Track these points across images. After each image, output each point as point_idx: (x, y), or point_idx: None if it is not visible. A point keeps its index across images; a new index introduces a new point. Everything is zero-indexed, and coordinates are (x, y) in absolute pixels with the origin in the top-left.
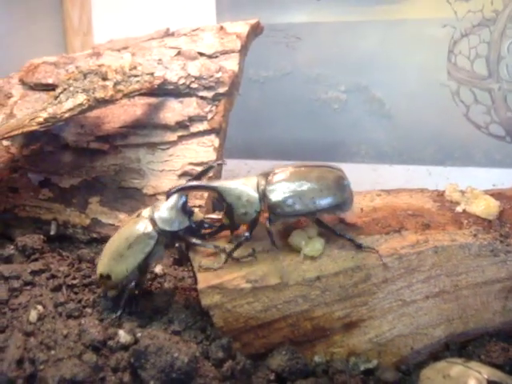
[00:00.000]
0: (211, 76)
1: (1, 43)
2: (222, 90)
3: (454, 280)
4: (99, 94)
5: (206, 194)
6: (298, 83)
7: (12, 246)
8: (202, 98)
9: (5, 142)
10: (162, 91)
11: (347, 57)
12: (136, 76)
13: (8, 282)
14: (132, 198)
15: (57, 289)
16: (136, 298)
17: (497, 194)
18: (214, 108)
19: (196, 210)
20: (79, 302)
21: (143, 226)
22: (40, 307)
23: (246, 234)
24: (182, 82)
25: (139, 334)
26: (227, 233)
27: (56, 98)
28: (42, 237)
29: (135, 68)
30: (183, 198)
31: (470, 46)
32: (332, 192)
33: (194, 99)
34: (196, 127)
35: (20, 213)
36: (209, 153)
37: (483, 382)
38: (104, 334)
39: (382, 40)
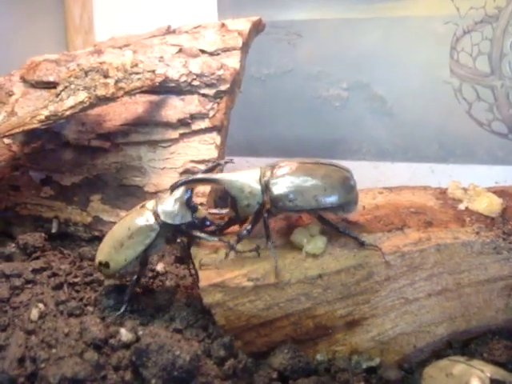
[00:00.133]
0: (213, 73)
1: (2, 41)
2: (223, 87)
3: (456, 278)
4: (100, 92)
5: (207, 192)
6: (300, 80)
7: (13, 244)
8: (203, 95)
9: (6, 140)
10: (164, 89)
11: (349, 54)
12: (137, 73)
13: (9, 280)
14: (133, 196)
15: (58, 287)
16: (137, 295)
17: (499, 192)
18: (215, 105)
19: (200, 206)
20: (80, 300)
21: (146, 217)
22: (41, 305)
23: (248, 227)
24: (183, 79)
25: (141, 332)
26: (234, 229)
27: (57, 95)
28: (43, 235)
29: (136, 65)
30: (188, 193)
31: (473, 42)
32: (336, 192)
33: (195, 97)
34: (197, 125)
35: (21, 211)
36: (210, 150)
37: (486, 380)
38: (105, 333)
39: (384, 37)
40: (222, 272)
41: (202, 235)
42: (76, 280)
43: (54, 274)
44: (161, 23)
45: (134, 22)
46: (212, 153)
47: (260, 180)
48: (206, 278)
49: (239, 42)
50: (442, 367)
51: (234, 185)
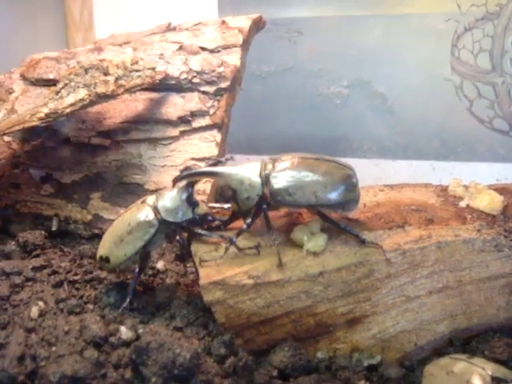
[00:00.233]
0: (213, 71)
1: (2, 39)
2: (224, 84)
3: (457, 275)
4: (100, 89)
5: (208, 190)
6: (300, 78)
7: (13, 242)
8: (203, 92)
9: (6, 138)
10: (164, 86)
11: (349, 51)
12: (137, 71)
13: (9, 278)
14: (134, 194)
15: (58, 285)
16: (138, 293)
17: (500, 189)
18: (216, 103)
19: (201, 202)
20: (81, 298)
21: (145, 213)
22: (41, 303)
23: (248, 221)
24: (183, 76)
25: (141, 330)
26: (235, 226)
27: (57, 93)
28: (43, 233)
29: (137, 63)
30: (189, 189)
31: (474, 40)
32: (336, 189)
33: (195, 94)
34: (198, 122)
35: (21, 208)
36: (211, 148)
37: (487, 378)
38: (105, 330)
39: (385, 34)
40: (223, 270)
41: (203, 232)
42: (76, 278)
43: (54, 272)
44: (161, 20)
45: (135, 19)
46: (212, 150)
47: (260, 173)
48: (207, 275)
49: (240, 40)
50: (442, 365)
51: (235, 177)
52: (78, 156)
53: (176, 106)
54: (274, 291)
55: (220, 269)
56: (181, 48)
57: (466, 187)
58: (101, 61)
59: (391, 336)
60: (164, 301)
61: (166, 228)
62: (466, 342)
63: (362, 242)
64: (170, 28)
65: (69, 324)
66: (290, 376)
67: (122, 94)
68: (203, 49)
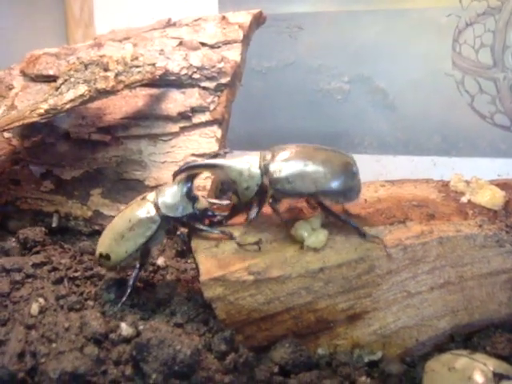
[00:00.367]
0: (213, 66)
1: (2, 35)
2: (224, 80)
3: (459, 271)
4: (100, 85)
5: (208, 186)
6: (301, 74)
7: (13, 239)
8: (204, 88)
9: (6, 134)
10: (164, 82)
11: (350, 47)
12: (137, 67)
13: (9, 274)
14: (134, 190)
15: (58, 281)
16: (138, 290)
17: (502, 184)
18: (216, 99)
19: (201, 197)
20: (81, 294)
21: (147, 209)
22: (41, 300)
23: (255, 209)
24: (183, 72)
25: (141, 327)
26: (236, 222)
27: (57, 89)
28: (43, 229)
29: (137, 59)
30: (188, 184)
31: (475, 35)
32: (336, 177)
33: (196, 90)
34: (198, 118)
35: (21, 205)
36: (211, 144)
37: (489, 374)
38: (106, 327)
39: (386, 30)
40: (223, 266)
41: (204, 227)
42: (76, 274)
43: (55, 269)
44: (161, 16)
45: (134, 15)
46: (213, 146)
47: (260, 163)
48: (207, 271)
49: (240, 35)
50: (444, 361)
51: (234, 169)
52: (78, 152)
53: (176, 101)
54: (275, 287)
55: (220, 265)
56: (181, 44)
57: (468, 182)
58: (101, 56)
59: (392, 332)
60: (164, 297)
61: (167, 224)
62: (468, 338)
63: (363, 236)
64: (170, 23)
65: (69, 321)
66: (290, 372)
67: (122, 89)
68: (203, 44)
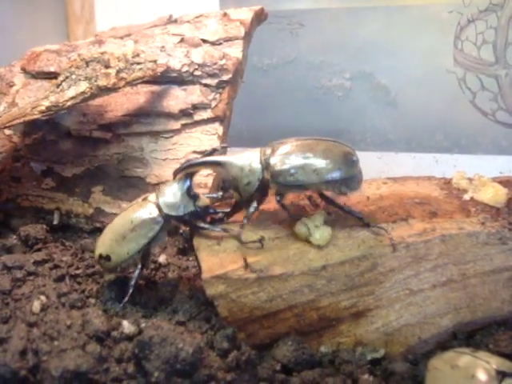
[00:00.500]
0: (215, 63)
1: (3, 32)
2: (225, 77)
3: (461, 269)
4: (102, 82)
5: (209, 184)
6: (302, 70)
7: (15, 236)
8: (205, 85)
9: (7, 131)
10: (165, 79)
11: (351, 43)
12: (139, 63)
13: (11, 272)
14: (135, 187)
15: (60, 279)
16: (140, 288)
17: (505, 182)
18: (217, 96)
19: (201, 194)
20: (82, 292)
21: (149, 210)
22: (43, 297)
23: (254, 205)
24: (185, 69)
25: (143, 325)
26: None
27: (58, 86)
28: (44, 226)
29: (138, 55)
30: (188, 182)
31: (477, 31)
32: (337, 166)
33: (197, 87)
34: (200, 115)
35: (23, 202)
36: (213, 141)
37: (492, 372)
38: (108, 325)
39: (387, 26)
40: (225, 263)
41: (206, 226)
42: (78, 272)
43: (56, 266)
44: (162, 13)
45: (135, 11)
46: (214, 143)
47: (260, 158)
48: (209, 269)
49: (241, 32)
50: (447, 359)
51: (235, 164)
52: (79, 149)
53: (177, 98)
54: (277, 285)
55: (222, 262)
56: (182, 40)
57: (470, 180)
58: (102, 53)
59: (395, 330)
60: (166, 295)
61: (169, 224)
62: (470, 336)
63: (367, 226)
64: (171, 20)
65: (71, 318)
66: (293, 370)
67: (124, 86)
68: (205, 41)
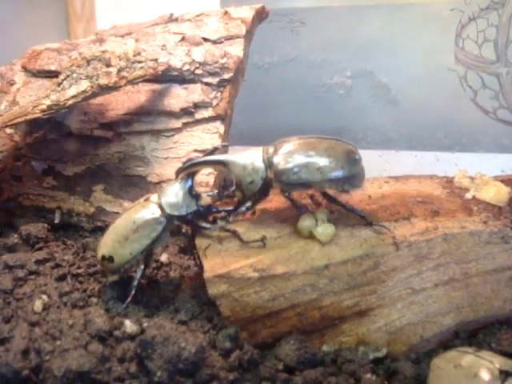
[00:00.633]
0: (216, 62)
1: (3, 30)
2: (226, 75)
3: (463, 268)
4: (103, 81)
5: (211, 182)
6: (303, 69)
7: (16, 235)
8: (206, 84)
9: (8, 130)
10: (167, 77)
11: (352, 42)
12: (140, 62)
13: (12, 271)
14: (136, 186)
15: (61, 278)
16: (142, 287)
17: (507, 180)
18: (218, 94)
19: (203, 194)
20: (84, 291)
21: (151, 210)
22: (45, 297)
23: (248, 204)
24: (186, 67)
25: (145, 324)
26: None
27: (59, 84)
28: (46, 225)
29: (139, 54)
30: (189, 182)
31: (478, 29)
32: (340, 164)
33: (198, 85)
34: (201, 114)
35: (24, 201)
36: (214, 139)
37: (495, 371)
38: (110, 324)
39: (388, 24)
40: (227, 263)
41: (208, 225)
42: (79, 271)
43: (58, 265)
44: (163, 11)
45: (136, 10)
46: (215, 142)
47: (263, 157)
48: (211, 268)
49: (242, 30)
50: (450, 358)
51: (238, 163)
52: (80, 148)
53: (179, 97)
54: (280, 284)
55: (225, 262)
56: (183, 39)
57: (472, 178)
58: (103, 52)
59: (397, 329)
60: (168, 294)
61: (171, 224)
62: (473, 335)
63: (370, 224)
64: (172, 19)
65: (73, 318)
66: (295, 369)
67: (125, 85)
68: (206, 40)
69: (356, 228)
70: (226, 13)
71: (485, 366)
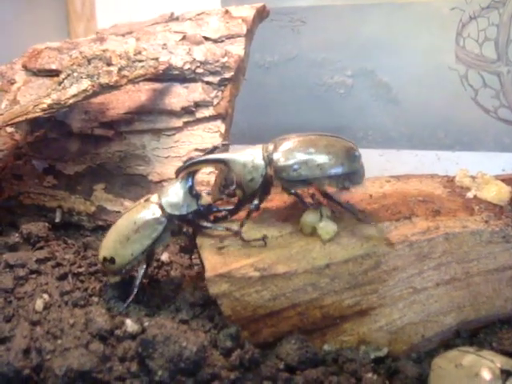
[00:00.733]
0: (217, 61)
1: (4, 29)
2: (227, 74)
3: (465, 267)
4: (104, 80)
5: (212, 181)
6: (304, 68)
7: (17, 234)
8: (207, 83)
9: (8, 129)
10: (167, 76)
11: (353, 41)
12: (141, 61)
13: (13, 270)
14: (137, 185)
15: (62, 277)
16: (143, 286)
17: (508, 180)
18: (219, 93)
19: (203, 193)
20: (85, 290)
21: (152, 210)
22: (46, 296)
23: (255, 202)
24: (187, 66)
25: (146, 323)
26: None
27: (60, 83)
28: (46, 224)
29: (140, 53)
30: (189, 182)
31: (479, 28)
32: (340, 160)
33: (199, 84)
34: (202, 113)
35: (24, 200)
36: (215, 138)
37: (496, 371)
38: (111, 323)
39: (389, 23)
40: (228, 262)
41: (209, 225)
42: (80, 270)
43: (59, 264)
44: (163, 10)
45: (136, 9)
46: (216, 141)
47: (263, 154)
48: (212, 268)
49: (243, 29)
50: (451, 358)
51: (238, 161)
52: (80, 147)
53: (179, 96)
54: (281, 284)
55: (226, 261)
56: (184, 38)
57: (473, 178)
58: (104, 51)
59: (398, 328)
60: (169, 293)
61: (172, 224)
62: (474, 334)
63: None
64: (172, 18)
65: (74, 317)
66: (296, 369)
67: (126, 84)
68: (207, 39)
69: (357, 227)
70: (226, 12)
71: (486, 365)
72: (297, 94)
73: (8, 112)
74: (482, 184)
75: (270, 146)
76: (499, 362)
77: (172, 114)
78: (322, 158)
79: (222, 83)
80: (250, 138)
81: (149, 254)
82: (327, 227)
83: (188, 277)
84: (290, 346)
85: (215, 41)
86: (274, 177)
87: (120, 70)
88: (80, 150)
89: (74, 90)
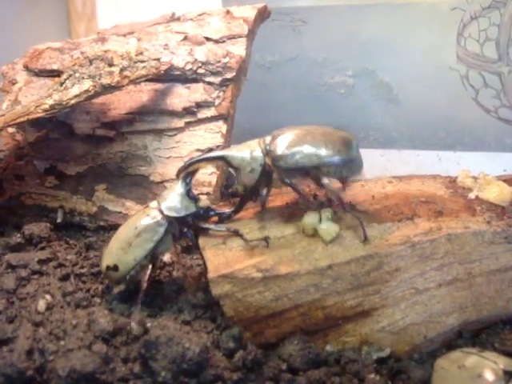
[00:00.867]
0: (218, 61)
1: (4, 29)
2: (229, 75)
3: (467, 268)
4: (105, 80)
5: (214, 182)
6: (305, 68)
7: (19, 235)
8: (209, 83)
9: (10, 129)
10: (169, 77)
11: (354, 41)
12: (142, 61)
13: (15, 270)
14: (139, 186)
15: (65, 278)
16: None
17: (509, 180)
18: (221, 94)
19: (202, 196)
20: (88, 291)
21: (152, 214)
22: (48, 297)
23: (264, 191)
24: (188, 67)
25: (149, 325)
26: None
27: (62, 84)
28: (48, 225)
29: (141, 53)
30: (187, 184)
31: (480, 28)
32: (337, 148)
33: (201, 85)
34: (203, 113)
35: (26, 201)
36: (216, 139)
37: (499, 372)
38: (114, 324)
39: (390, 23)
40: (231, 263)
41: (210, 226)
42: (82, 271)
43: (61, 265)
44: (165, 10)
45: (137, 9)
46: (218, 141)
47: (260, 146)
48: (215, 268)
49: (245, 29)
50: (454, 359)
51: (236, 155)
52: (82, 147)
53: (181, 96)
54: (283, 284)
55: (228, 262)
56: (185, 38)
57: (475, 178)
58: (105, 51)
59: (400, 329)
60: (172, 294)
61: (173, 227)
62: (476, 335)
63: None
64: (174, 18)
65: (76, 318)
66: (299, 369)
67: (127, 84)
68: (208, 39)
69: (359, 228)
70: (228, 12)
71: (489, 366)
72: (298, 93)
73: (10, 112)
74: (483, 185)
75: (268, 138)
76: (502, 363)
77: (173, 114)
78: (319, 146)
79: (224, 83)
80: (251, 137)
81: (152, 260)
82: (329, 229)
83: (190, 278)
84: (292, 346)
85: (217, 41)
86: (272, 166)
87: (122, 70)
88: (81, 150)
89: (75, 90)
